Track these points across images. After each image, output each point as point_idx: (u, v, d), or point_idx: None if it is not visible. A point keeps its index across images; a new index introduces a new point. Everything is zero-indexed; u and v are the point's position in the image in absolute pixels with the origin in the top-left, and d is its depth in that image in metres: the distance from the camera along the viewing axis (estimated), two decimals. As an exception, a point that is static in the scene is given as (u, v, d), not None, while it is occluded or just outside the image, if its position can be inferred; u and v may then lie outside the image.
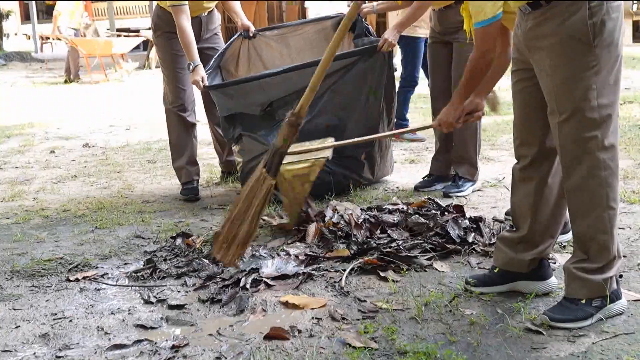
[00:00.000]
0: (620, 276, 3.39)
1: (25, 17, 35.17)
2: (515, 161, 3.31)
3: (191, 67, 5.00)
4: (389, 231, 4.04)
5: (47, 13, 41.12)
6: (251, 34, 5.54)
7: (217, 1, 5.41)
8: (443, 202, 4.52)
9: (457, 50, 5.04)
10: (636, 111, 7.92)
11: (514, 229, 3.32)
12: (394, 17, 14.86)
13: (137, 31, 22.70)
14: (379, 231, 4.07)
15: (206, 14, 5.37)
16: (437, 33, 5.16)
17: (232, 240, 3.39)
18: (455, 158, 5.20)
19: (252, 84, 4.91)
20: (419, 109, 8.73)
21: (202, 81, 4.99)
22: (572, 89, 2.90)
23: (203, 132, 6.35)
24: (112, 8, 23.39)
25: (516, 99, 3.25)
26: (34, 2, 25.62)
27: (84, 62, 15.37)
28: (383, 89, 5.09)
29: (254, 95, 4.92)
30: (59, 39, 17.84)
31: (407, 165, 6.09)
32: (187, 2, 5.03)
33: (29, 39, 26.50)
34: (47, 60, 20.05)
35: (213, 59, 5.32)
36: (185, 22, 5.01)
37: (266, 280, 3.58)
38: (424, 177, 5.41)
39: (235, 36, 5.60)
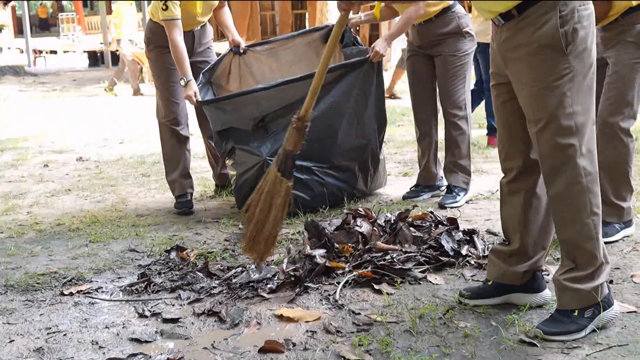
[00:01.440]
0: (611, 282, 3.41)
1: (19, 31, 35.23)
2: (502, 175, 3.34)
3: (184, 82, 5.01)
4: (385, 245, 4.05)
5: (39, 27, 41.28)
6: (241, 50, 5.57)
7: (210, 15, 5.43)
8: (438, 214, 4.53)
9: (439, 62, 5.09)
10: None
11: (506, 242, 3.34)
12: (386, 30, 14.89)
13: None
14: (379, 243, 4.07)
15: (199, 28, 5.39)
16: (415, 47, 5.22)
17: (259, 239, 3.54)
18: (449, 168, 5.23)
19: (244, 98, 4.93)
20: (411, 121, 8.73)
21: (195, 96, 5.00)
22: (547, 97, 2.94)
23: (196, 145, 6.36)
24: (105, 22, 23.38)
25: (498, 113, 3.29)
26: (27, 15, 25.63)
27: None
28: (373, 98, 5.11)
29: (247, 110, 4.94)
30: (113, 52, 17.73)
31: (400, 178, 6.10)
32: (179, 16, 5.05)
33: (22, 52, 26.50)
34: (40, 75, 20.05)
35: (202, 74, 5.34)
36: (178, 37, 5.03)
37: (261, 293, 3.59)
38: (411, 188, 5.45)
39: (226, 52, 5.62)
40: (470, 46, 5.10)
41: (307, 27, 17.71)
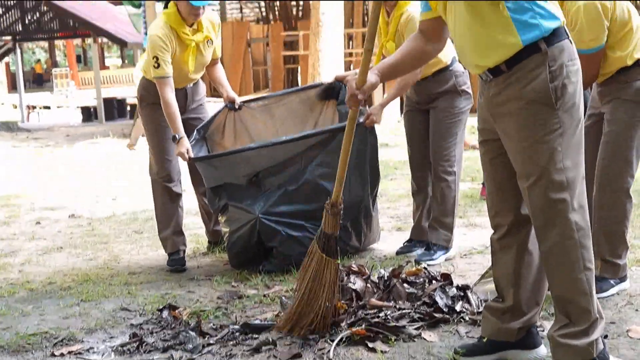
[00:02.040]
0: (606, 336, 3.39)
1: (12, 87, 35.42)
2: (492, 231, 3.33)
3: (176, 139, 5.03)
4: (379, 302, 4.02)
5: (33, 82, 41.49)
6: (236, 106, 5.58)
7: (202, 73, 5.46)
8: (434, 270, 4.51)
9: (433, 117, 5.11)
10: None
11: (500, 299, 3.32)
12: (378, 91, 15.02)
13: (123, 100, 22.87)
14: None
15: (191, 85, 5.42)
16: (413, 102, 5.24)
17: (308, 314, 3.73)
18: (431, 224, 5.22)
19: (237, 156, 4.95)
20: (404, 175, 8.76)
21: (187, 153, 5.01)
22: (537, 152, 2.95)
23: (189, 201, 6.35)
24: (98, 77, 23.53)
25: (486, 169, 3.30)
26: (20, 71, 25.77)
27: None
28: (367, 158, 5.11)
29: (240, 167, 4.95)
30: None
31: (394, 233, 6.09)
32: (171, 74, 5.09)
33: (16, 108, 26.59)
34: (33, 130, 20.10)
35: (196, 130, 5.35)
36: (170, 95, 5.05)
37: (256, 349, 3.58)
38: (404, 242, 5.44)
39: (221, 108, 5.64)
40: (465, 104, 5.10)
41: (299, 82, 17.88)
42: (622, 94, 4.06)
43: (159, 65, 5.03)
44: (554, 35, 2.94)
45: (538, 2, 2.92)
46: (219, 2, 21.80)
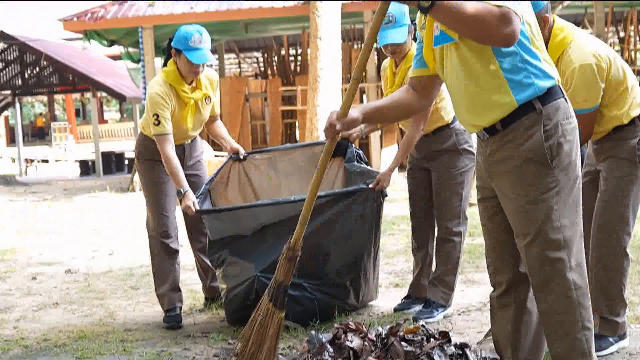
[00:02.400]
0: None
1: (11, 141, 35.55)
2: (492, 289, 3.32)
3: (181, 194, 5.02)
4: None
5: (32, 136, 41.66)
6: (241, 157, 5.60)
7: (200, 129, 5.49)
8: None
9: (435, 177, 5.11)
10: None
11: (498, 358, 3.30)
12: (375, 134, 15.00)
13: (121, 154, 22.93)
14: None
15: (189, 141, 5.45)
16: (415, 159, 5.25)
17: None
18: (431, 281, 5.20)
19: (245, 211, 4.95)
20: (402, 230, 8.75)
21: (194, 205, 4.99)
22: (533, 211, 2.96)
23: (186, 256, 6.32)
24: (97, 131, 23.64)
25: (485, 227, 3.30)
26: (19, 125, 25.88)
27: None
28: (370, 220, 5.10)
29: (246, 221, 4.95)
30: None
31: (391, 290, 6.06)
32: (171, 131, 5.11)
33: (14, 162, 26.66)
34: (31, 184, 20.12)
35: (204, 185, 5.36)
36: (171, 151, 5.07)
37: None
38: (402, 299, 5.41)
39: (225, 160, 5.65)
40: (467, 163, 5.08)
41: (297, 136, 17.94)
42: (618, 152, 4.07)
43: (159, 123, 5.06)
44: (549, 94, 2.96)
45: (532, 61, 2.94)
46: (217, 57, 22.00)
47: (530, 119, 2.94)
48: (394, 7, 4.87)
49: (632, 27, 17.09)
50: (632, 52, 17.66)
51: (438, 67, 3.19)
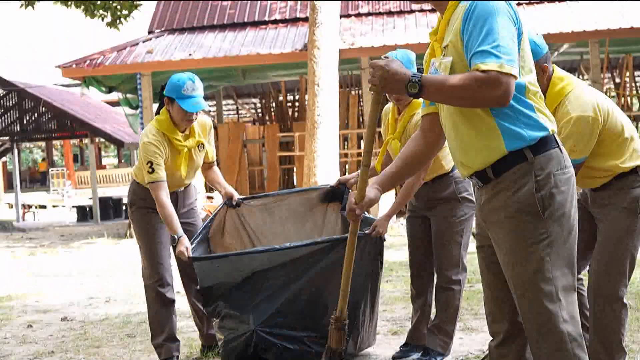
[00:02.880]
0: None
1: (8, 186, 35.53)
2: (490, 338, 3.29)
3: (175, 240, 5.01)
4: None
5: (31, 181, 41.68)
6: (234, 202, 5.59)
7: (194, 177, 5.48)
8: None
9: (434, 225, 5.09)
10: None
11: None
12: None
13: (119, 200, 22.92)
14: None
15: (182, 189, 5.45)
16: (414, 206, 5.23)
17: None
18: (430, 329, 5.16)
19: (236, 258, 4.93)
20: (400, 277, 8.71)
21: (187, 251, 4.97)
22: (525, 262, 2.93)
23: (183, 303, 6.28)
24: (95, 177, 23.65)
25: (483, 276, 3.28)
26: (17, 170, 25.89)
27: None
28: (368, 270, 5.07)
29: (238, 267, 4.92)
30: None
31: (390, 337, 6.01)
32: (165, 178, 5.10)
33: (12, 207, 26.62)
34: (28, 230, 20.08)
35: (200, 231, 5.34)
36: (165, 198, 5.06)
37: None
38: (400, 347, 5.36)
39: (220, 205, 5.65)
40: (467, 212, 5.06)
41: (295, 182, 17.95)
42: (618, 201, 4.07)
43: (153, 170, 5.05)
44: (542, 144, 2.94)
45: (525, 112, 2.93)
46: (215, 103, 22.11)
47: (521, 168, 2.92)
48: (401, 55, 4.89)
49: (628, 73, 17.21)
50: (628, 98, 17.76)
51: (438, 106, 3.20)
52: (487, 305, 3.28)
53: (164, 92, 5.18)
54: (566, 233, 2.95)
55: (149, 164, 5.05)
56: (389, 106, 5.16)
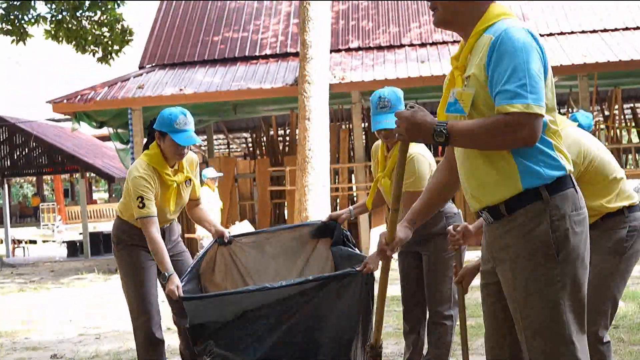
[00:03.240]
0: None
1: (-1, 222, 35.40)
2: None
3: (164, 277, 4.95)
4: None
5: (21, 216, 41.51)
6: (226, 240, 5.54)
7: (178, 213, 5.46)
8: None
9: (426, 261, 5.08)
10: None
11: None
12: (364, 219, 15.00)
13: (109, 235, 22.81)
14: None
15: (168, 225, 5.42)
16: (405, 243, 5.20)
17: None
18: None
19: (227, 298, 4.88)
20: (393, 312, 8.68)
21: (177, 290, 4.93)
22: (538, 305, 2.85)
23: (173, 339, 6.23)
24: (85, 211, 23.57)
25: (485, 312, 3.19)
26: (7, 205, 25.81)
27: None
28: (360, 308, 5.03)
29: (228, 307, 4.87)
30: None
31: (382, 373, 5.97)
32: (156, 214, 5.08)
33: (1, 243, 26.50)
34: (18, 265, 19.97)
35: (190, 268, 5.28)
36: (156, 233, 5.03)
37: None
38: None
39: (211, 243, 5.61)
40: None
41: (286, 216, 17.93)
42: (603, 242, 4.06)
43: (144, 205, 5.02)
44: (558, 183, 2.87)
45: (544, 149, 2.88)
46: (206, 138, 22.13)
47: (536, 207, 2.85)
48: (388, 92, 4.91)
49: (617, 106, 17.31)
50: (617, 131, 17.85)
51: None
52: (488, 342, 3.18)
53: (155, 126, 5.17)
54: (580, 275, 2.88)
55: (140, 199, 5.02)
56: (378, 143, 5.16)
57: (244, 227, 14.31)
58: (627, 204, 4.11)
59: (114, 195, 41.35)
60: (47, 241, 27.83)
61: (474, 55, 2.96)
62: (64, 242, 24.87)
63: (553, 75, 3.05)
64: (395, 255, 5.27)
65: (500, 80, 2.77)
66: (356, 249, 5.40)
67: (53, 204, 34.81)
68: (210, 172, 13.39)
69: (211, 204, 12.74)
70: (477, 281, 3.61)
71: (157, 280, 5.33)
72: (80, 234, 23.49)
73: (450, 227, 3.62)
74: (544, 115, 2.76)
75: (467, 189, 3.10)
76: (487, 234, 3.08)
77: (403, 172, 3.26)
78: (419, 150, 4.94)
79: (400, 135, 2.96)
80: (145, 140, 5.51)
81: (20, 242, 25.69)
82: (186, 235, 14.81)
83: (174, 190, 5.23)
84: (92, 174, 29.20)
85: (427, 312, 5.21)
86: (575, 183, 2.97)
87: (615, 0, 17.74)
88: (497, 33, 2.86)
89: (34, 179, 43.27)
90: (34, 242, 27.52)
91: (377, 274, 4.60)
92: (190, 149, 5.38)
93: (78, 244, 22.82)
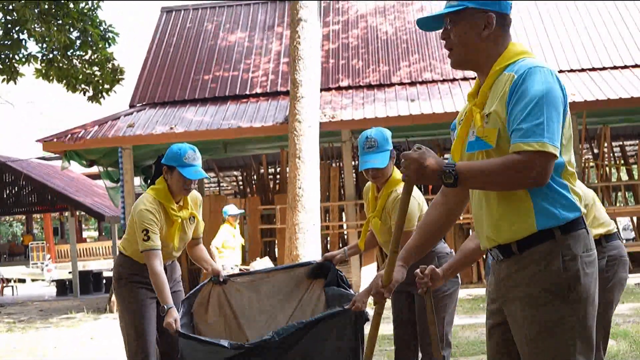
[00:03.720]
0: None
1: (-12, 261, 35.18)
2: None
3: (164, 310, 4.92)
4: None
5: (10, 255, 41.25)
6: (221, 279, 5.52)
7: (182, 251, 5.46)
8: None
9: (418, 302, 5.05)
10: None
11: None
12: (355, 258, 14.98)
13: (99, 274, 22.70)
14: None
15: (170, 262, 5.42)
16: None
17: None
18: None
19: (221, 349, 4.83)
20: (384, 352, 8.63)
21: (175, 323, 4.89)
22: (548, 345, 2.83)
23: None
24: (75, 250, 23.47)
25: (490, 352, 3.18)
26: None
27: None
28: (349, 348, 5.00)
29: (221, 354, 4.82)
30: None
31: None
32: (160, 247, 5.07)
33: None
34: (6, 305, 19.83)
35: (181, 303, 5.26)
36: (159, 267, 5.01)
37: None
38: None
39: (206, 281, 5.58)
40: (450, 286, 5.00)
41: (277, 255, 17.89)
42: None
43: (148, 238, 5.02)
44: (571, 224, 2.87)
45: (560, 191, 2.88)
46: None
47: (548, 247, 2.84)
48: (375, 132, 4.94)
49: (606, 144, 17.41)
50: (607, 169, 17.93)
51: None
52: None
53: (163, 161, 5.21)
54: (590, 317, 2.86)
55: (145, 232, 5.02)
56: (369, 185, 5.17)
57: (264, 263, 14.26)
58: (603, 232, 4.06)
59: (103, 234, 41.17)
60: (36, 280, 27.67)
61: (494, 92, 2.95)
62: (53, 281, 24.74)
63: None
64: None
65: (518, 118, 2.77)
66: (350, 290, 5.38)
67: (43, 243, 34.64)
68: (232, 209, 13.31)
69: (233, 241, 12.70)
70: (482, 319, 3.60)
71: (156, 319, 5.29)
72: (70, 272, 23.37)
73: (418, 270, 3.60)
74: (557, 156, 2.76)
75: (481, 227, 3.08)
76: (496, 272, 3.05)
77: (405, 214, 3.23)
78: None
79: (406, 176, 2.92)
80: (137, 179, 5.51)
81: (9, 281, 25.55)
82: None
83: (179, 226, 5.24)
84: (82, 213, 29.10)
85: (419, 353, 5.17)
86: (587, 224, 2.96)
87: (603, 39, 17.94)
88: (520, 71, 2.86)
89: (24, 217, 43.07)
90: (23, 281, 27.36)
91: (371, 312, 4.58)
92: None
93: (67, 283, 22.72)
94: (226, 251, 12.78)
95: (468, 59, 3.06)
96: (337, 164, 18.12)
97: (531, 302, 2.86)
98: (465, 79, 17.32)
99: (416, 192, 5.01)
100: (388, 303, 5.23)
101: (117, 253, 5.46)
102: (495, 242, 2.99)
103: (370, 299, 5.08)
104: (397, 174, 5.03)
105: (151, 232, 5.04)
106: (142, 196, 5.27)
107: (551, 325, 2.83)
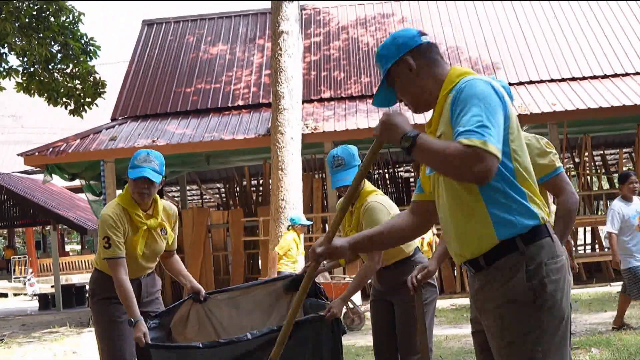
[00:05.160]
0: None
1: (-31, 275, 34.90)
2: None
3: (132, 323, 4.84)
4: None
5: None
6: (201, 298, 5.44)
7: (156, 262, 5.40)
8: None
9: (398, 310, 5.08)
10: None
11: None
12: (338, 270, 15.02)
13: (82, 287, 22.60)
14: None
15: (146, 275, 5.34)
16: (377, 291, 5.23)
17: None
18: None
19: (196, 351, 4.82)
20: (368, 362, 8.63)
21: (144, 337, 4.80)
22: (516, 351, 2.88)
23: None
24: (57, 264, 23.35)
25: (475, 352, 3.24)
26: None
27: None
28: (330, 356, 5.01)
29: (195, 354, 4.81)
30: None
31: None
32: (123, 255, 4.98)
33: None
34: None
35: (156, 316, 5.18)
36: (124, 276, 4.92)
37: None
38: None
39: (186, 298, 5.52)
40: (429, 295, 5.03)
41: (260, 266, 17.87)
42: None
43: (109, 246, 4.94)
44: (533, 233, 2.91)
45: (516, 198, 2.92)
46: (179, 189, 22.07)
47: (512, 258, 2.90)
48: (341, 151, 5.02)
49: (587, 153, 17.52)
50: (588, 178, 18.03)
51: (433, 193, 3.19)
52: None
53: None
54: (557, 322, 2.91)
55: (106, 239, 4.93)
56: (342, 200, 5.20)
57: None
58: None
59: (86, 247, 40.98)
60: (19, 294, 27.48)
61: (443, 116, 3.03)
62: (35, 295, 24.58)
63: (523, 125, 3.09)
64: (368, 305, 5.28)
65: (460, 121, 2.82)
66: (328, 301, 5.38)
67: (25, 257, 34.43)
68: (303, 219, 13.13)
69: (296, 252, 12.61)
70: (465, 329, 3.62)
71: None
72: (52, 286, 23.23)
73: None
74: (499, 159, 2.77)
75: (450, 245, 3.14)
76: (471, 284, 3.13)
77: (368, 168, 3.28)
78: (378, 199, 5.02)
79: (375, 134, 3.02)
80: (120, 192, 5.48)
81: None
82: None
83: (143, 233, 5.13)
84: (65, 226, 28.96)
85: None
86: (552, 232, 3.00)
87: (583, 49, 18.07)
88: (457, 88, 2.96)
89: (5, 231, 42.81)
90: (5, 295, 27.16)
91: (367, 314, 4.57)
92: (164, 198, 5.34)
93: (50, 297, 22.56)
94: (288, 260, 12.60)
95: (418, 101, 3.19)
96: (320, 175, 18.14)
97: (501, 313, 2.92)
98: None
99: (386, 201, 5.08)
100: (369, 313, 5.25)
101: (93, 269, 5.40)
102: (463, 258, 3.06)
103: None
104: (368, 186, 5.10)
105: (112, 239, 4.94)
106: (108, 203, 5.23)
107: (520, 334, 2.88)
